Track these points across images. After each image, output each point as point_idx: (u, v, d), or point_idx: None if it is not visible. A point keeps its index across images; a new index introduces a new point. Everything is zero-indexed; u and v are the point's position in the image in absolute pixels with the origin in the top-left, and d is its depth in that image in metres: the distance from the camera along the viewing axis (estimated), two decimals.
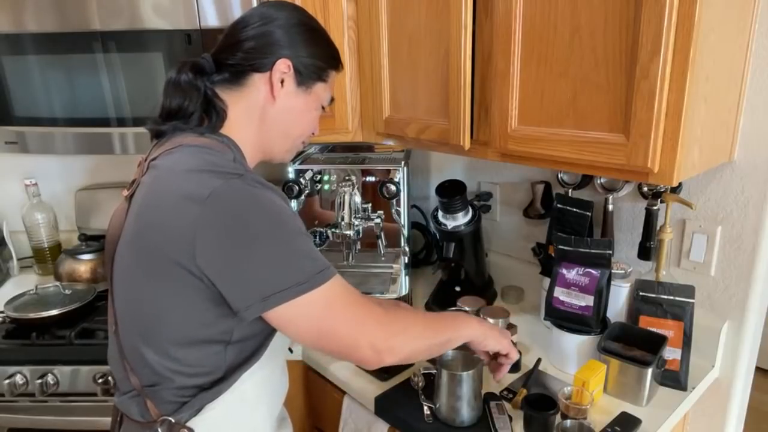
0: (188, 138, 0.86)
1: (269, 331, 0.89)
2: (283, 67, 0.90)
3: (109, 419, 1.01)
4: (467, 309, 1.32)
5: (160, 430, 0.85)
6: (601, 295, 1.19)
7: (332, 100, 1.02)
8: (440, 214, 1.48)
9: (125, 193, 0.89)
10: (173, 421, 0.85)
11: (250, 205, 0.77)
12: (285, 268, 0.77)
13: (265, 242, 0.76)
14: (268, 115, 0.92)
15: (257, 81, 0.90)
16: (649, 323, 1.20)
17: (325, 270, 0.80)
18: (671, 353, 1.16)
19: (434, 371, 1.08)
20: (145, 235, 0.81)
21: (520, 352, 1.21)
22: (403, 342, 0.86)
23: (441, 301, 1.54)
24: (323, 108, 1.00)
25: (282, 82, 0.91)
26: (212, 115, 0.89)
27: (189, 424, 0.85)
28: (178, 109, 0.88)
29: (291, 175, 1.52)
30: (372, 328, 0.83)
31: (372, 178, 1.52)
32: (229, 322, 0.82)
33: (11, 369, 1.37)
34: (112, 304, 0.90)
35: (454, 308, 1.32)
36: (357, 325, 0.82)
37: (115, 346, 0.91)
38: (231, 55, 0.90)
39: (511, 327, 1.30)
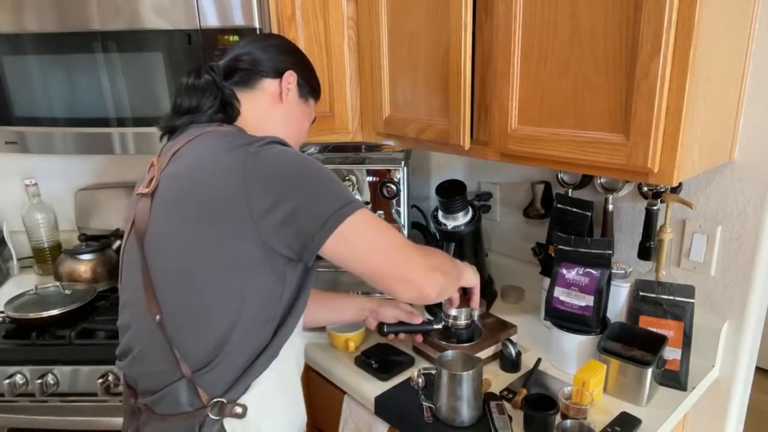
0: (209, 128, 0.93)
1: (305, 295, 0.95)
2: (290, 77, 1.03)
3: (108, 419, 1.01)
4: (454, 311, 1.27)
5: (210, 414, 0.87)
6: (601, 295, 1.19)
7: (314, 119, 1.16)
8: (440, 214, 1.48)
9: (145, 190, 0.92)
10: (225, 401, 0.87)
11: (287, 154, 0.87)
12: (331, 195, 0.86)
13: (307, 179, 0.86)
14: (272, 117, 1.03)
15: (267, 85, 1.02)
16: (649, 323, 1.20)
17: (357, 199, 0.90)
18: (671, 353, 1.16)
19: (434, 371, 1.08)
20: (200, 215, 0.85)
21: (514, 346, 1.22)
22: (439, 262, 0.97)
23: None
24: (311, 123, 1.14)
25: (288, 92, 1.03)
26: (228, 111, 0.98)
27: (241, 401, 0.88)
28: (194, 108, 0.96)
29: None
30: (415, 255, 0.92)
31: (372, 178, 1.52)
32: (280, 286, 0.90)
33: (11, 369, 1.37)
34: (154, 296, 0.89)
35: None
36: (405, 247, 0.92)
37: (157, 338, 0.90)
38: (241, 61, 1.01)
39: (510, 327, 1.30)
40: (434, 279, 0.92)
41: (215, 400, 0.88)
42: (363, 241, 0.88)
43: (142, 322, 0.92)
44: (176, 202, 0.88)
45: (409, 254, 0.91)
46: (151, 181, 0.93)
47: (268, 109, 1.02)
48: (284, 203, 0.83)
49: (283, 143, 0.90)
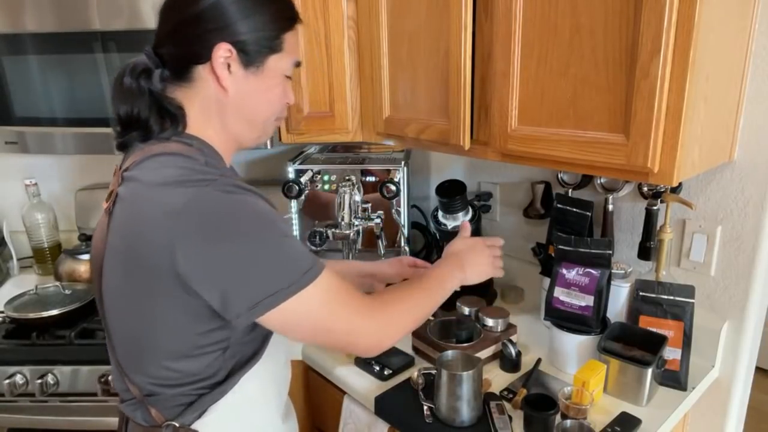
0: (155, 146, 0.80)
1: (266, 333, 0.89)
2: (223, 52, 0.79)
3: (108, 419, 1.01)
4: (466, 310, 1.33)
5: None
6: (601, 295, 1.19)
7: (298, 63, 0.89)
8: (440, 214, 1.48)
9: (105, 205, 0.84)
10: (177, 425, 0.84)
11: (225, 210, 0.73)
12: (269, 272, 0.74)
13: (243, 247, 0.72)
14: (226, 106, 0.83)
15: (202, 73, 0.81)
16: (649, 323, 1.20)
17: (311, 269, 0.76)
18: (671, 353, 1.16)
19: (434, 371, 1.08)
20: (129, 253, 0.77)
21: (514, 346, 1.24)
22: (396, 324, 0.87)
23: None
24: (288, 77, 0.88)
25: (229, 67, 0.80)
26: (169, 118, 0.82)
27: (194, 426, 0.84)
28: (128, 119, 0.81)
29: (291, 175, 1.53)
30: (367, 318, 0.83)
31: (372, 178, 1.52)
32: (225, 331, 0.80)
33: (11, 369, 1.37)
34: (104, 319, 0.89)
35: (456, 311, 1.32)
36: (351, 319, 0.81)
37: (113, 358, 0.90)
38: (165, 47, 0.81)
39: (510, 327, 1.30)
40: (389, 337, 0.86)
41: (167, 422, 0.84)
42: (301, 326, 0.79)
43: (107, 341, 0.91)
44: (118, 232, 0.79)
45: (358, 327, 0.82)
46: (110, 195, 0.83)
47: (214, 103, 0.82)
48: (211, 268, 0.72)
49: (238, 186, 0.75)
